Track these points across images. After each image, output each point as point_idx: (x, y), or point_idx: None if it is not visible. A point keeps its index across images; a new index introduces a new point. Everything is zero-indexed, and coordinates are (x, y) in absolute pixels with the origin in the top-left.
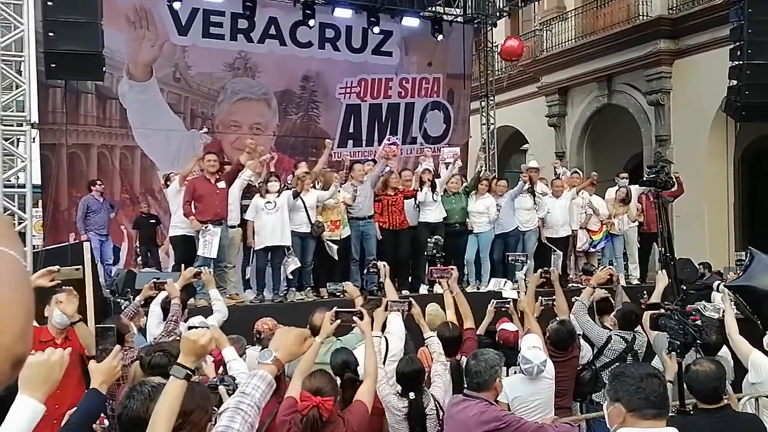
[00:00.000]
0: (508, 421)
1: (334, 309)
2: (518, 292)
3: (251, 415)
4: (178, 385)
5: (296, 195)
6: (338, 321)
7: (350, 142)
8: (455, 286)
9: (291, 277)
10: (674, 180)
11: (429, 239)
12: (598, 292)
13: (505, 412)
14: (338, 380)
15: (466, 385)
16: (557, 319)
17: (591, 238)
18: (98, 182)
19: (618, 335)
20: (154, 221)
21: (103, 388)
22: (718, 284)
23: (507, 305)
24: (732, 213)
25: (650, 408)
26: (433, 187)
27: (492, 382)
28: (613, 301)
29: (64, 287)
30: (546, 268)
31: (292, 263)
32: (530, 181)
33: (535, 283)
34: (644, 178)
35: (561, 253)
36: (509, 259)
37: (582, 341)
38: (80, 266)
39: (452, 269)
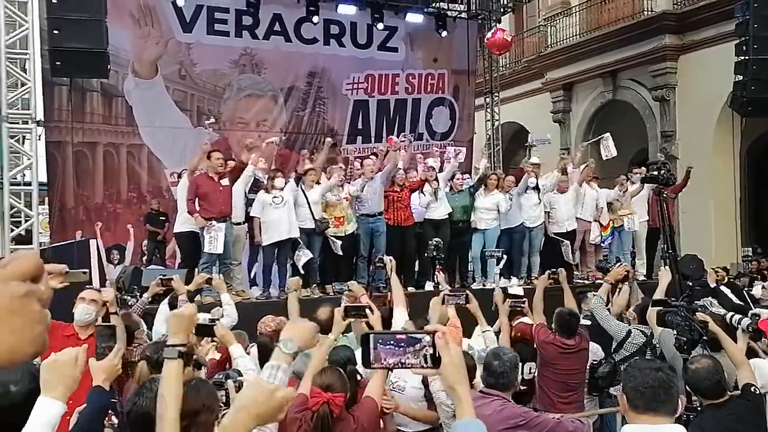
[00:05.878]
0: (527, 418)
1: (344, 305)
2: (496, 287)
3: None
4: (173, 367)
5: (298, 181)
6: (350, 318)
7: (359, 138)
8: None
9: (303, 271)
10: (675, 177)
11: (430, 241)
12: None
13: (524, 408)
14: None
15: (483, 383)
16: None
17: (600, 234)
18: None
19: (638, 329)
20: (163, 218)
21: (105, 385)
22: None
23: (522, 305)
24: (738, 208)
25: (641, 401)
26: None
27: (515, 381)
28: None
29: (87, 286)
30: (554, 269)
31: (304, 256)
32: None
33: (544, 283)
34: (645, 176)
35: (568, 242)
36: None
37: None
38: (87, 270)
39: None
